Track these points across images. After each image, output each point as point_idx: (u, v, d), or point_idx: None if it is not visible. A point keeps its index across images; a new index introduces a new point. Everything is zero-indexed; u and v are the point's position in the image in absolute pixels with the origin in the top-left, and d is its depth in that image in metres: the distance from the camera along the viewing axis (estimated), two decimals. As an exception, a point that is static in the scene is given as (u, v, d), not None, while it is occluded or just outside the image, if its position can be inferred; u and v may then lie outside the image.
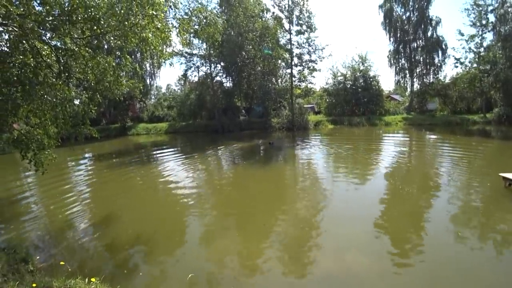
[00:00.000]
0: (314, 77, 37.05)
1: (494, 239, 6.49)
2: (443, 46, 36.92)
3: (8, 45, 5.49)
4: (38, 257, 5.95)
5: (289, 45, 33.94)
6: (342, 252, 6.07)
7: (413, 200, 9.26)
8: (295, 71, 35.58)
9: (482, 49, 34.04)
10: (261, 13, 33.77)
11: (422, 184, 11.13)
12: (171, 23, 5.99)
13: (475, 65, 34.69)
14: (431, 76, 38.18)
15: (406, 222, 7.64)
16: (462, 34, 34.41)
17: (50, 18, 4.70)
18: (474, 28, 33.96)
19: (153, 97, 50.77)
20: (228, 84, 37.65)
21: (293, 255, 6.10)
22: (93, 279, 4.29)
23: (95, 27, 4.93)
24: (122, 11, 4.50)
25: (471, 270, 5.28)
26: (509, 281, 4.93)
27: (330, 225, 7.54)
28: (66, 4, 4.88)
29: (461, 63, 35.71)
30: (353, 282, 5.10)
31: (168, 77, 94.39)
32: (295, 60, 35.14)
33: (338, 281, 5.14)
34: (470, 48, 34.60)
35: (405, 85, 41.41)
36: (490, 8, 32.97)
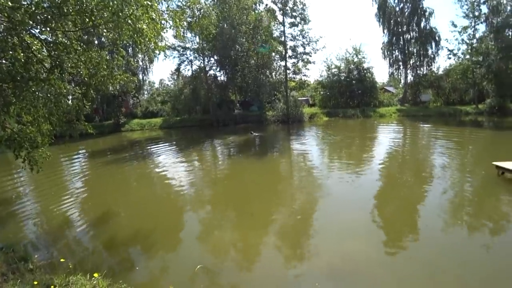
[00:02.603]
0: (308, 69, 37.14)
1: (488, 227, 6.62)
2: (436, 38, 37.09)
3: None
4: (37, 256, 5.87)
5: (283, 38, 33.73)
6: (340, 241, 6.13)
7: (408, 189, 9.39)
8: (289, 63, 35.50)
9: (474, 41, 34.29)
10: (254, 6, 33.41)
11: (417, 173, 11.26)
12: (166, 14, 5.86)
13: (467, 56, 34.99)
14: (425, 68, 38.41)
15: (402, 210, 7.75)
16: (455, 26, 34.67)
17: (40, 10, 4.55)
18: (467, 19, 34.23)
19: (146, 92, 50.22)
20: (222, 77, 37.39)
21: (292, 245, 6.15)
22: (95, 275, 4.27)
23: (87, 20, 4.80)
24: (115, 2, 4.37)
25: (466, 257, 5.39)
26: (502, 266, 5.04)
27: (327, 215, 7.60)
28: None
29: (454, 55, 36.03)
30: (352, 270, 5.16)
31: (161, 72, 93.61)
32: (289, 52, 35.00)
33: (338, 270, 5.20)
34: (463, 40, 34.87)
35: (399, 77, 41.68)
36: (483, -1, 33.12)
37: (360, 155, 15.10)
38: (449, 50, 36.11)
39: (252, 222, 7.50)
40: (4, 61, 5.37)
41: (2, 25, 4.75)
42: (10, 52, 5.16)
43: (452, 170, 11.07)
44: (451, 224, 6.71)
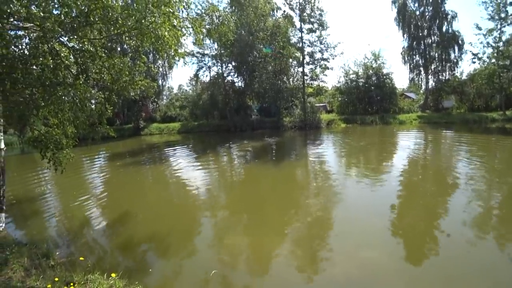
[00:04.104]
0: (326, 75, 36.76)
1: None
2: (460, 42, 35.81)
3: (28, 47, 5.68)
4: (58, 253, 6.12)
5: (301, 44, 33.72)
6: (357, 249, 5.98)
7: (429, 197, 9.06)
8: (307, 69, 35.36)
9: (501, 44, 32.80)
10: (271, 12, 33.70)
11: (439, 181, 10.84)
12: (187, 22, 6.03)
13: (493, 60, 33.49)
14: (447, 73, 37.10)
15: (422, 219, 7.47)
16: (480, 28, 33.32)
17: (69, 19, 4.82)
18: (492, 21, 32.76)
19: (165, 97, 51.51)
20: (239, 83, 37.81)
21: (308, 253, 6.06)
22: (113, 275, 4.38)
23: (112, 28, 5.02)
24: (139, 11, 4.56)
25: (489, 271, 5.08)
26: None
27: (344, 222, 7.45)
28: (83, 6, 4.99)
29: (479, 59, 34.55)
30: (369, 279, 5.01)
31: (180, 78, 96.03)
32: (307, 58, 34.89)
33: (354, 279, 5.07)
34: (488, 43, 33.41)
35: (420, 82, 40.46)
36: (510, 0, 31.77)
37: (379, 162, 14.75)
38: (473, 54, 34.74)
39: (267, 228, 7.47)
40: (34, 67, 5.71)
41: (35, 34, 5.05)
42: (41, 59, 5.49)
43: (477, 179, 10.57)
44: (476, 236, 6.38)
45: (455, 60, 36.45)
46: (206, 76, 38.13)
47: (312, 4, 32.46)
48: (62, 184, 12.87)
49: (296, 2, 32.50)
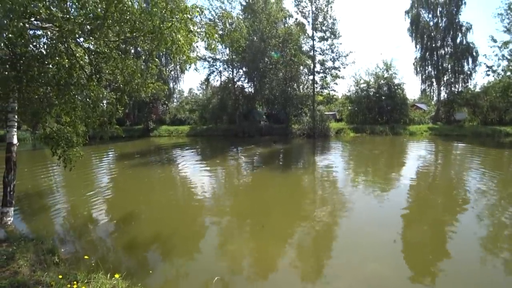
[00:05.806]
0: (336, 84, 36.66)
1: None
2: (474, 53, 35.30)
3: (45, 47, 5.83)
4: (63, 249, 6.17)
5: (312, 52, 33.76)
6: (363, 263, 5.85)
7: (438, 212, 8.84)
8: (317, 77, 35.33)
9: (516, 56, 32.22)
10: (284, 19, 33.92)
11: (449, 196, 10.59)
12: (204, 28, 6.10)
13: (508, 73, 32.86)
14: (460, 85, 36.54)
15: (431, 235, 7.28)
16: (495, 41, 32.81)
17: (87, 21, 4.93)
18: (508, 34, 32.27)
19: (175, 100, 52.13)
20: (249, 89, 38.00)
21: (312, 265, 5.95)
22: (116, 275, 4.38)
23: (128, 30, 5.12)
24: (156, 15, 4.64)
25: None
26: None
27: (350, 234, 7.31)
28: (100, 9, 5.11)
29: (493, 71, 33.95)
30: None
31: (191, 81, 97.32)
32: (318, 66, 34.91)
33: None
34: (503, 55, 32.84)
35: (432, 93, 39.91)
36: (527, 14, 31.26)
37: (387, 173, 14.52)
38: (487, 66, 34.15)
39: (272, 235, 7.37)
40: (50, 66, 5.86)
41: (53, 34, 5.18)
42: (57, 58, 5.62)
43: (488, 195, 10.28)
44: (486, 254, 6.17)
45: (468, 72, 35.95)
46: (217, 80, 38.59)
47: (325, 13, 32.56)
48: (71, 181, 13.07)
49: (309, 10, 32.67)
